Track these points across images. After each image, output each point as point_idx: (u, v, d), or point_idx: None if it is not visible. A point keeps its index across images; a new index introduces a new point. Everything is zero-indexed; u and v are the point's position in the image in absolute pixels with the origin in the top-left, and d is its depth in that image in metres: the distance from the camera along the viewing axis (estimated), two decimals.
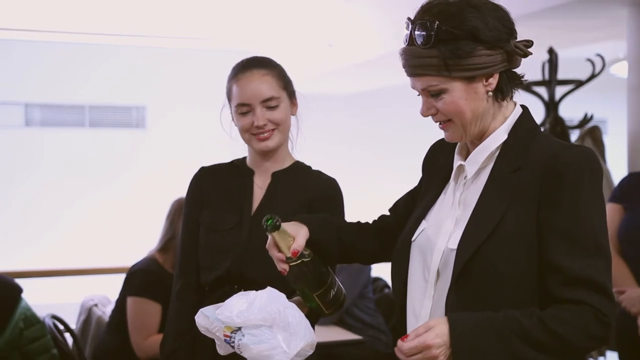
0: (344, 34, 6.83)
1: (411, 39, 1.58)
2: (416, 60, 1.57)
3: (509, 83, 1.63)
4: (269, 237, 1.72)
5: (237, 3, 6.49)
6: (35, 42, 7.86)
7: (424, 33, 1.55)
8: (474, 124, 1.61)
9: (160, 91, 9.08)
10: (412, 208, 1.82)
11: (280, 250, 1.71)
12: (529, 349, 1.46)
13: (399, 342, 1.48)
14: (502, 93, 1.62)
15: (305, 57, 7.45)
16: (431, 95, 1.60)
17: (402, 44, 1.62)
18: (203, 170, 2.27)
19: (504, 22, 1.59)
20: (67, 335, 3.66)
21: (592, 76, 4.73)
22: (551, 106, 4.78)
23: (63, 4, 6.23)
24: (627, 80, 4.41)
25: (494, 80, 1.59)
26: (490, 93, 1.60)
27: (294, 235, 1.72)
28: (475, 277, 1.53)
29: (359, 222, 1.94)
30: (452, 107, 1.59)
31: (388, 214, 1.93)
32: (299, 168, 2.23)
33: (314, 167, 2.26)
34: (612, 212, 3.29)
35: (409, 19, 1.61)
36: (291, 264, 1.71)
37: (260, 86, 2.11)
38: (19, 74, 8.65)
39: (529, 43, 1.61)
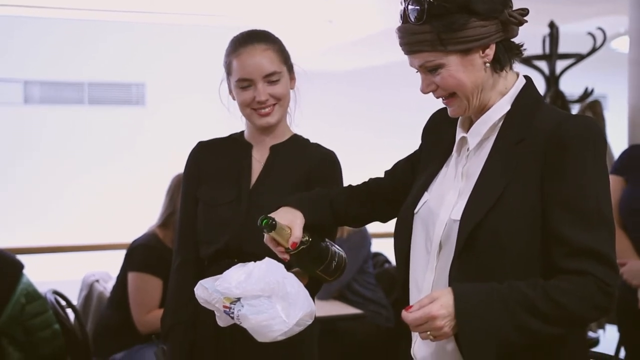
0: (344, 11, 6.79)
1: (405, 16, 1.59)
2: (411, 37, 1.58)
3: (506, 53, 1.62)
4: (265, 234, 1.74)
5: None
6: (34, 19, 7.82)
7: (417, 8, 1.55)
8: (476, 95, 1.61)
9: (159, 68, 9.06)
10: (409, 173, 1.84)
11: (279, 244, 1.74)
12: (534, 319, 1.47)
13: (404, 312, 1.49)
14: (500, 63, 1.61)
15: (305, 34, 7.42)
16: (429, 71, 1.60)
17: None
18: (201, 145, 2.26)
19: None
20: (69, 311, 3.68)
21: (593, 49, 4.71)
22: (552, 80, 4.77)
23: None
24: (628, 54, 4.39)
25: (490, 51, 1.59)
26: (488, 64, 1.60)
27: (290, 226, 1.74)
28: (479, 248, 1.53)
29: (350, 187, 1.95)
30: (451, 81, 1.59)
31: (383, 176, 1.94)
32: (298, 141, 2.23)
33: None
34: (614, 184, 3.27)
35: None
36: (291, 253, 1.73)
37: (262, 61, 2.10)
38: (18, 51, 8.62)
39: (524, 11, 1.60)
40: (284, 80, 2.14)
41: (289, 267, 1.77)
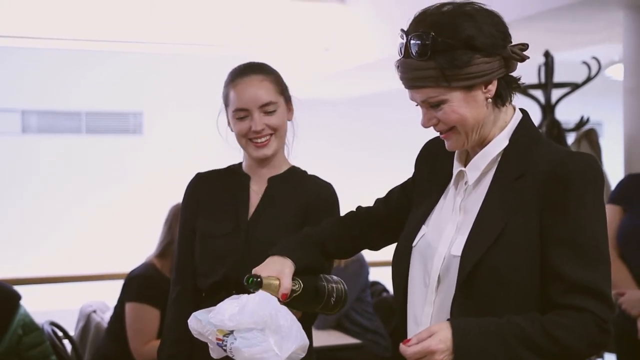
0: (341, 38, 6.84)
1: (407, 51, 1.58)
2: (414, 73, 1.57)
3: (507, 88, 1.63)
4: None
5: (234, 8, 6.50)
6: (32, 49, 7.85)
7: (420, 44, 1.55)
8: (476, 131, 1.61)
9: (156, 97, 9.09)
10: (404, 201, 1.84)
11: None
12: (530, 353, 1.48)
13: (402, 345, 1.49)
14: (501, 99, 1.62)
15: (301, 62, 7.46)
16: (431, 106, 1.60)
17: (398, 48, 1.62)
18: (199, 177, 2.27)
19: (499, 28, 1.59)
20: (66, 342, 3.66)
21: (588, 79, 4.74)
22: (547, 109, 4.79)
23: (59, 10, 6.24)
24: (623, 83, 4.42)
25: (492, 87, 1.59)
26: (490, 100, 1.60)
27: (279, 277, 1.73)
28: (480, 284, 1.53)
29: (339, 220, 1.94)
30: (454, 116, 1.58)
31: (374, 205, 1.93)
32: (295, 173, 2.23)
33: (312, 171, 2.26)
34: (611, 213, 3.28)
35: (402, 30, 1.60)
36: (284, 302, 1.73)
37: (258, 91, 2.12)
38: (16, 80, 8.65)
39: (524, 46, 1.61)
40: (281, 111, 2.15)
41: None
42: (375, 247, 1.94)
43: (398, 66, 1.61)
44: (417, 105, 1.64)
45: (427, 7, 1.62)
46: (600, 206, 1.56)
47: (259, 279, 1.69)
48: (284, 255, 1.78)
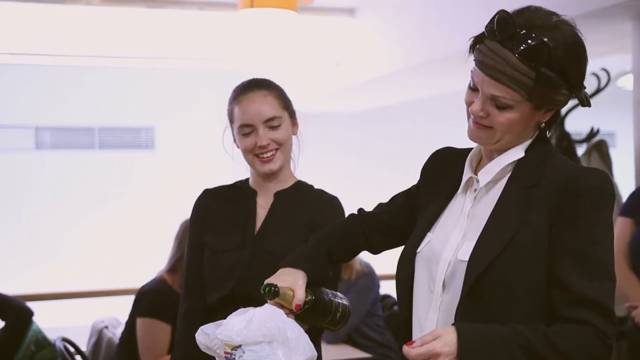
0: (351, 52, 6.85)
1: (511, 41, 1.50)
2: (505, 67, 1.51)
3: (557, 119, 1.65)
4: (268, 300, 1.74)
5: (245, 23, 6.53)
6: (45, 65, 7.92)
7: (535, 49, 1.49)
8: (509, 139, 1.60)
9: (169, 112, 9.13)
10: (407, 208, 1.84)
11: (282, 306, 1.73)
12: None
13: (405, 347, 1.48)
14: (549, 128, 1.64)
15: (312, 77, 7.48)
16: (493, 101, 1.55)
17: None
18: (206, 193, 2.29)
19: (585, 69, 1.58)
20: (78, 358, 3.67)
21: (597, 90, 4.72)
22: (557, 121, 4.78)
23: (72, 27, 6.29)
24: (633, 94, 4.41)
25: (549, 115, 1.60)
26: (543, 125, 1.61)
27: (293, 288, 1.73)
28: (487, 290, 1.53)
29: (343, 227, 1.94)
30: (507, 124, 1.56)
31: (377, 209, 1.93)
32: (301, 187, 2.25)
33: (324, 185, 2.27)
34: (623, 225, 3.26)
35: (506, 13, 1.52)
36: (296, 313, 1.73)
37: (263, 107, 2.13)
38: (29, 97, 8.71)
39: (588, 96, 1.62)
40: (285, 125, 2.17)
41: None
42: (376, 250, 1.94)
43: (489, 51, 1.53)
44: (472, 87, 1.59)
45: (538, 7, 1.56)
46: (611, 223, 1.57)
47: (276, 288, 1.69)
48: (296, 267, 1.79)
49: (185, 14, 6.43)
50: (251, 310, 1.66)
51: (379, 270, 4.34)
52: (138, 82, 8.88)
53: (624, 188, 4.43)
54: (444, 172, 1.77)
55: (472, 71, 1.59)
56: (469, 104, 1.61)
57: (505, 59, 1.51)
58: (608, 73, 4.77)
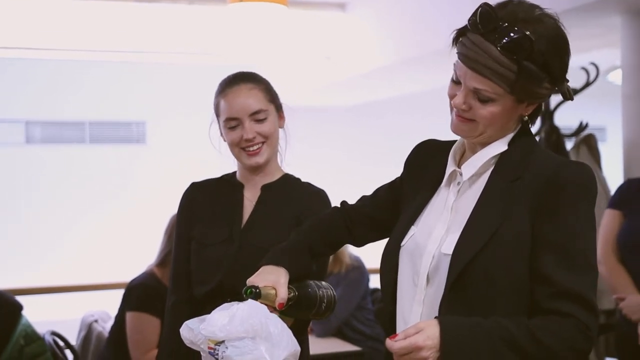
0: (342, 47, 6.85)
1: (493, 35, 1.49)
2: (487, 60, 1.50)
3: (539, 112, 1.65)
4: None
5: (236, 18, 6.52)
6: (34, 59, 7.90)
7: (516, 43, 1.48)
8: (492, 132, 1.60)
9: (159, 106, 9.12)
10: (390, 200, 1.84)
11: (266, 306, 1.73)
12: (516, 356, 1.48)
13: (388, 340, 1.49)
14: (532, 121, 1.64)
15: (303, 71, 7.48)
16: (475, 95, 1.55)
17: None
18: (193, 186, 2.29)
19: (568, 60, 1.58)
20: (68, 352, 3.67)
21: (586, 84, 4.74)
22: (546, 115, 4.79)
23: (62, 21, 6.27)
24: (622, 88, 4.42)
25: (532, 108, 1.60)
26: (526, 118, 1.61)
27: (275, 287, 1.73)
28: (470, 283, 1.53)
29: (326, 221, 1.93)
30: (489, 117, 1.56)
31: (360, 202, 1.93)
32: (288, 181, 2.25)
33: (315, 179, 2.28)
34: (612, 218, 3.28)
35: (488, 5, 1.52)
36: (281, 310, 1.74)
37: (248, 100, 2.14)
38: (19, 91, 8.69)
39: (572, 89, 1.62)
40: (272, 118, 2.17)
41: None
42: (359, 243, 1.94)
43: (472, 45, 1.52)
44: (454, 81, 1.59)
45: (521, 0, 1.55)
46: (593, 216, 1.57)
47: (257, 290, 1.70)
48: (277, 264, 1.78)
49: (175, 8, 6.42)
50: (234, 306, 1.66)
51: (368, 264, 4.35)
52: (129, 77, 8.86)
53: (614, 182, 4.45)
54: (427, 165, 1.77)
55: (454, 64, 1.59)
56: (451, 96, 1.60)
57: (487, 52, 1.51)
58: (597, 67, 4.78)
